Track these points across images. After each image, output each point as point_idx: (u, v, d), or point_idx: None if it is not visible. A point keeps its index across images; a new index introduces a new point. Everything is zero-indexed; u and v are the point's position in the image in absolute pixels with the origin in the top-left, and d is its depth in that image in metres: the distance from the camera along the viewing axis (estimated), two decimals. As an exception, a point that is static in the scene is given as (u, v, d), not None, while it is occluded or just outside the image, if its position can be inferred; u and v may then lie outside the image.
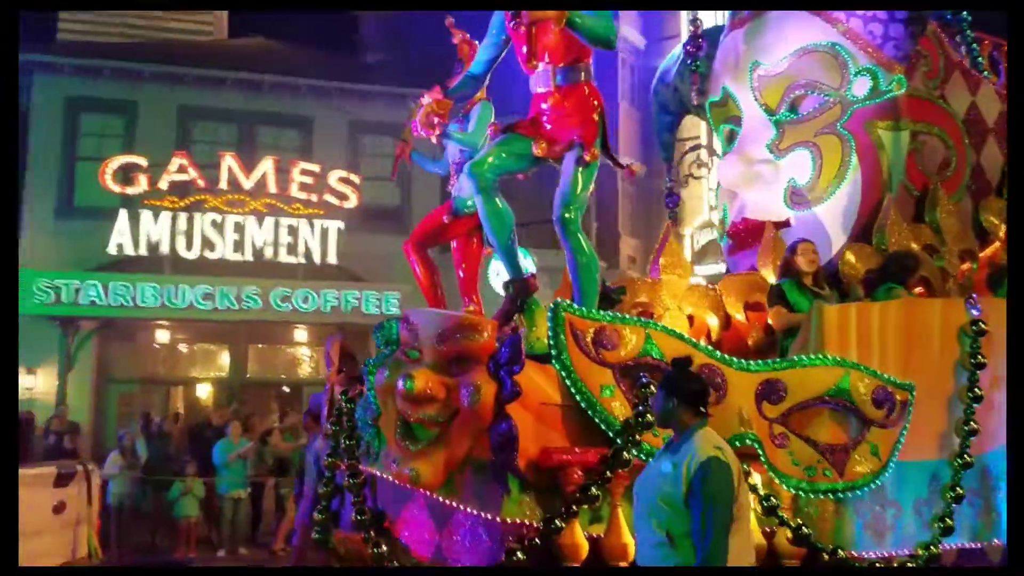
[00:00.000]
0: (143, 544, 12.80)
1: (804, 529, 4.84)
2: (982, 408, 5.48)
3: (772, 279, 6.20)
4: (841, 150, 6.62)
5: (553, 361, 4.71)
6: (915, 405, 5.21)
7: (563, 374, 4.68)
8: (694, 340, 5.02)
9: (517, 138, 5.50)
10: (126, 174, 17.31)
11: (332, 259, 17.89)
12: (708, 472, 3.59)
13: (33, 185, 17.71)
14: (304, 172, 18.38)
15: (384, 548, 4.92)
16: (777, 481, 4.87)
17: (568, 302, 4.84)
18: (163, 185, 17.33)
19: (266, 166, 18.09)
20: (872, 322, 5.34)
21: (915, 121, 6.83)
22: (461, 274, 6.40)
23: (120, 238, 17.25)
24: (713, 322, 5.90)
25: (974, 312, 5.53)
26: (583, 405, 4.64)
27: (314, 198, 18.34)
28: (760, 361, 5.08)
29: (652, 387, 4.72)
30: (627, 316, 4.99)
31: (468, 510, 4.65)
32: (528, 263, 17.64)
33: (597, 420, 4.62)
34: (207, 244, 17.22)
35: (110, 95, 18.47)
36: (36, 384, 16.87)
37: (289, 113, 19.40)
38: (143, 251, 17.03)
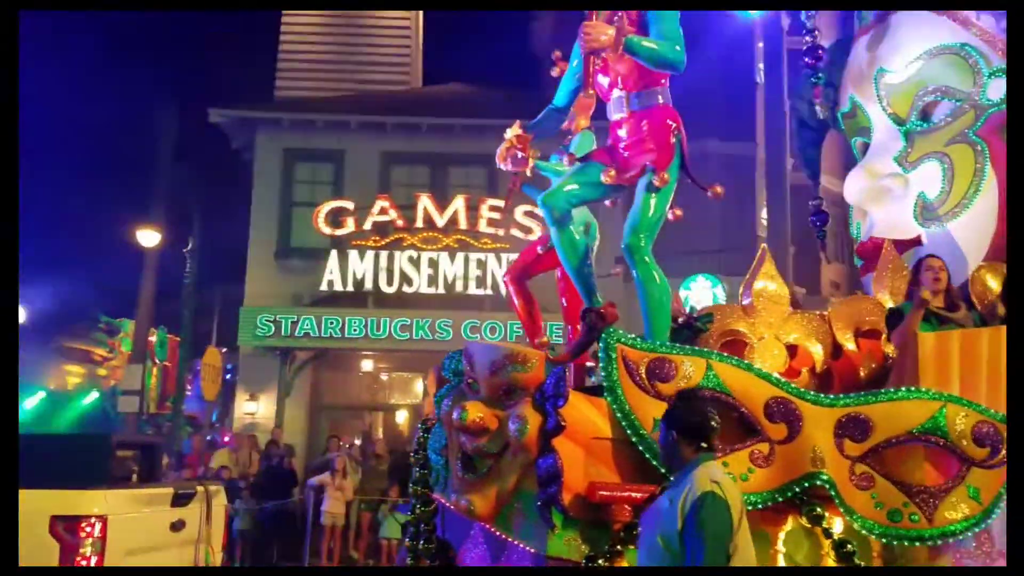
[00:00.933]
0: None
1: (882, 583, 4.30)
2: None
3: (890, 303, 5.65)
4: (974, 159, 5.96)
5: (605, 393, 4.50)
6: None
7: (614, 407, 4.46)
8: (765, 372, 4.62)
9: (592, 166, 5.37)
10: (335, 217, 18.43)
11: (516, 292, 18.11)
12: (702, 507, 3.32)
13: (255, 228, 19.10)
14: (492, 208, 18.87)
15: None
16: (856, 526, 4.37)
17: (622, 332, 4.61)
18: (367, 226, 18.36)
19: (457, 204, 18.75)
20: (980, 350, 4.71)
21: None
22: (564, 303, 6.31)
23: (330, 275, 18.45)
24: (818, 351, 5.42)
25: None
26: (632, 439, 4.39)
27: (501, 232, 18.77)
28: (843, 395, 4.61)
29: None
30: (687, 347, 4.67)
31: (517, 543, 4.51)
32: (716, 291, 17.20)
33: (646, 454, 4.35)
34: (405, 279, 18.08)
35: (321, 145, 19.61)
36: (258, 409, 18.21)
37: (478, 152, 19.94)
38: (350, 287, 18.09)
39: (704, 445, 3.60)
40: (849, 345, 5.40)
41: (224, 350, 20.03)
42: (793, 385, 4.56)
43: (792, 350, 5.46)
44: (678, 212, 5.22)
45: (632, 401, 4.44)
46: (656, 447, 4.32)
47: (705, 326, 5.40)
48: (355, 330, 17.77)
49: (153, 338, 19.86)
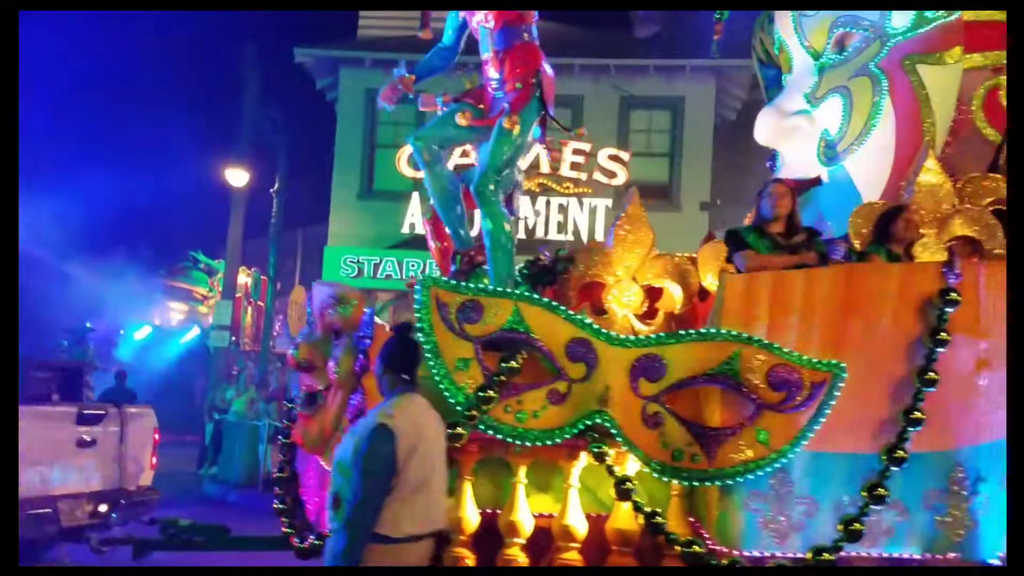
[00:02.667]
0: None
1: (658, 518, 4.40)
2: (960, 394, 4.56)
3: None
4: (871, 92, 5.73)
5: (418, 333, 4.73)
6: (847, 388, 4.45)
7: (425, 347, 4.68)
8: (570, 313, 4.73)
9: (461, 107, 5.55)
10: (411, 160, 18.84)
11: (599, 236, 18.20)
12: (365, 440, 3.58)
13: (339, 170, 19.77)
14: (576, 152, 18.87)
15: (286, 505, 5.25)
16: (639, 464, 4.47)
17: (436, 276, 4.82)
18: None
19: (538, 147, 18.79)
20: (794, 292, 4.64)
21: (990, 51, 5.71)
22: (432, 245, 6.35)
23: (412, 218, 18.94)
24: (678, 293, 5.43)
25: (951, 279, 4.58)
26: (436, 378, 4.61)
27: (583, 177, 18.77)
28: (643, 336, 4.67)
29: (514, 362, 4.62)
30: (498, 289, 4.82)
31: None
32: None
33: (446, 393, 4.57)
34: (485, 223, 18.38)
35: None
36: (339, 348, 18.95)
37: (562, 93, 19.93)
38: (420, 231, 18.50)
39: (406, 378, 3.78)
40: (713, 286, 5.38)
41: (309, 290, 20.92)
42: (596, 326, 4.66)
43: (657, 292, 5.49)
44: (581, 131, 5.37)
45: (441, 341, 4.65)
46: (454, 386, 4.53)
47: (565, 268, 5.50)
48: (436, 272, 18.28)
49: (246, 279, 21.03)
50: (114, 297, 20.91)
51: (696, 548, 4.38)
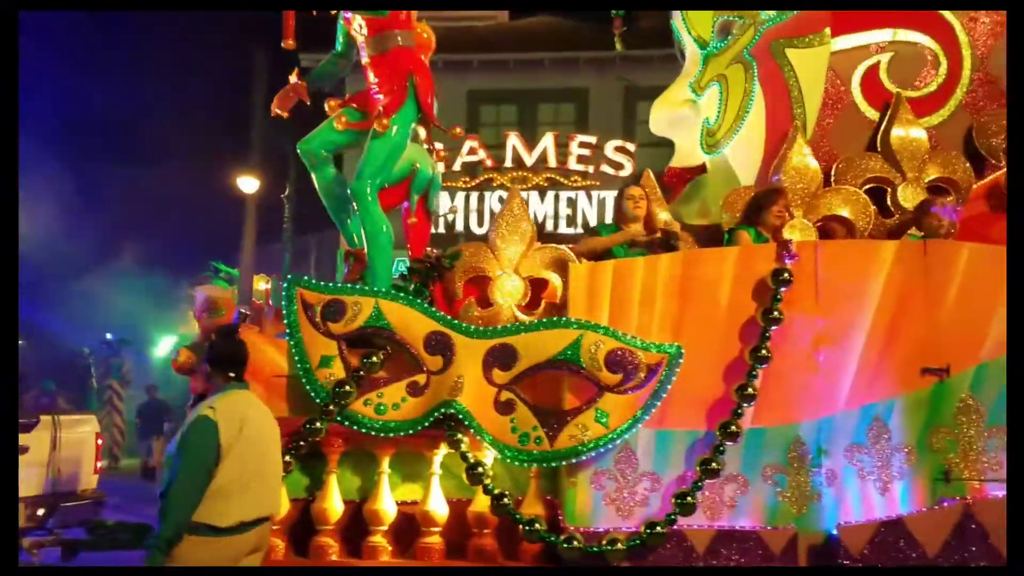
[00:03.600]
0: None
1: (505, 500, 4.65)
2: (800, 371, 4.72)
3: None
4: (744, 79, 5.90)
5: (286, 333, 5.04)
6: (687, 368, 4.66)
7: (291, 346, 5.00)
8: (427, 308, 5.01)
9: (344, 112, 5.84)
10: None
11: (608, 229, 18.33)
12: (187, 430, 3.85)
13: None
14: (582, 144, 19.03)
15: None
16: (489, 448, 4.73)
17: (302, 277, 5.13)
18: (456, 167, 18.94)
19: (546, 141, 19.00)
20: (635, 279, 4.85)
21: (861, 30, 5.84)
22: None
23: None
24: (557, 282, 5.65)
25: (786, 260, 4.74)
26: (301, 375, 4.92)
27: (591, 169, 18.93)
28: (497, 327, 4.91)
29: (375, 357, 4.90)
30: (361, 288, 5.11)
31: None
32: None
33: (309, 389, 4.87)
34: (495, 220, 18.65)
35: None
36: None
37: (567, 87, 20.10)
38: (441, 229, 18.79)
39: (232, 375, 4.07)
40: (591, 275, 5.58)
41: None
42: (451, 319, 4.95)
43: (532, 283, 5.69)
44: (457, 131, 5.63)
45: (307, 339, 4.96)
46: (316, 383, 4.84)
47: (451, 264, 5.75)
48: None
49: (266, 285, 21.55)
50: (141, 310, 21.57)
51: (538, 527, 4.62)
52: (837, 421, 4.70)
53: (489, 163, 18.88)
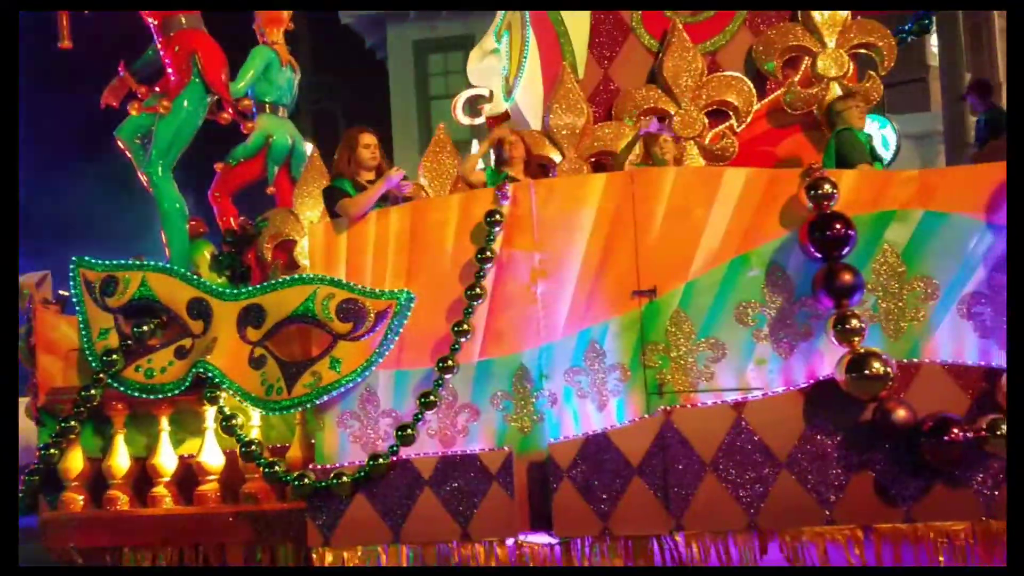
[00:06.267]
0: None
1: (252, 447, 5.20)
2: (520, 304, 5.14)
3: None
4: (521, 26, 6.26)
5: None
6: (418, 312, 5.14)
7: (79, 321, 5.60)
8: (189, 276, 5.58)
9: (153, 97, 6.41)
10: (472, 106, 19.38)
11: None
12: None
13: (397, 126, 20.60)
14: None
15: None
16: (240, 401, 5.27)
17: (82, 258, 5.71)
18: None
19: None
20: (368, 232, 5.32)
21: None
22: None
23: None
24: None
25: (502, 201, 5.14)
26: (83, 347, 5.53)
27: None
28: (245, 288, 5.42)
29: (145, 327, 5.48)
30: (133, 263, 5.67)
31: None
32: (886, 132, 15.69)
33: (89, 359, 5.48)
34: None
35: (448, 33, 20.42)
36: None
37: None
38: (494, 178, 19.14)
39: None
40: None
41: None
42: (207, 284, 5.53)
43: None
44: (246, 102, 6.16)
45: (90, 314, 5.62)
46: (94, 354, 5.51)
47: (258, 231, 6.27)
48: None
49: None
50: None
51: (277, 468, 5.16)
52: (557, 347, 5.11)
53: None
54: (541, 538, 5.05)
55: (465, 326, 5.11)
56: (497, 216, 5.15)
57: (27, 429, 5.82)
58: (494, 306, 5.17)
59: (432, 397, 5.09)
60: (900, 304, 4.90)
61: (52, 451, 5.56)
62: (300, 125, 21.27)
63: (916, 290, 4.88)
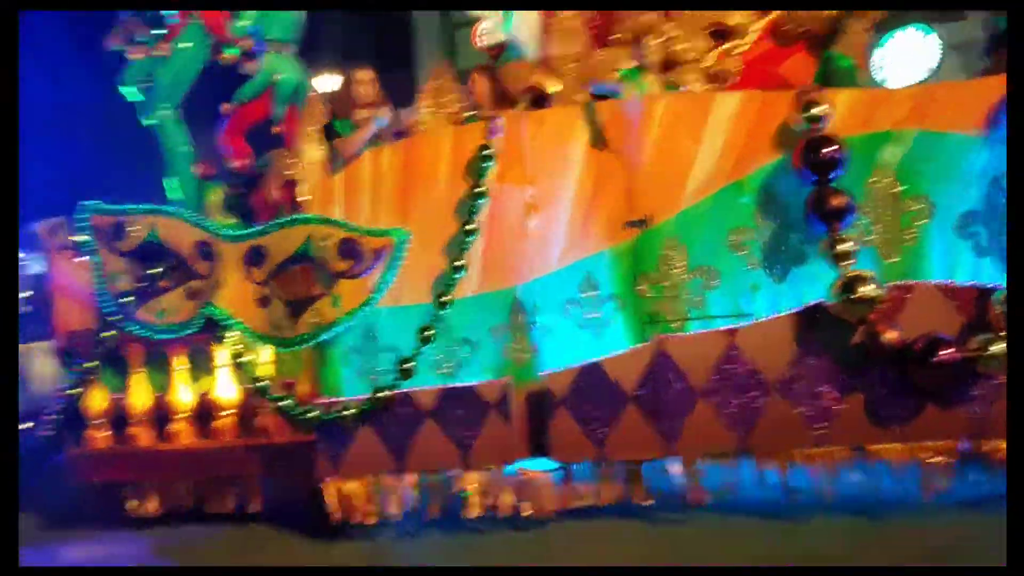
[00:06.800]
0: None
1: (263, 383, 5.39)
2: (513, 238, 5.23)
3: None
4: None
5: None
6: (415, 249, 5.24)
7: (91, 265, 5.81)
8: (195, 217, 5.71)
9: None
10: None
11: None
12: None
13: (421, 56, 20.36)
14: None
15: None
16: (250, 339, 5.45)
17: (93, 203, 5.86)
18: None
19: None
20: (363, 171, 5.41)
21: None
22: None
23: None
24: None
25: (492, 135, 5.18)
26: (96, 292, 5.74)
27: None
28: (248, 229, 5.55)
29: (155, 270, 5.68)
30: (143, 206, 5.82)
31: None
32: (929, 42, 14.88)
33: (101, 304, 5.69)
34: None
35: None
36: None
37: None
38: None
39: None
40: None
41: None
42: (212, 225, 5.66)
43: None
44: None
45: (103, 259, 5.77)
46: (106, 297, 5.71)
47: (261, 172, 6.39)
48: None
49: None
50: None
51: (285, 403, 5.35)
52: (551, 280, 5.20)
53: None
54: (541, 463, 5.22)
55: (459, 262, 5.21)
56: (488, 151, 5.20)
57: (49, 371, 6.08)
58: (488, 240, 5.26)
59: (429, 331, 5.23)
60: (895, 225, 4.90)
61: (74, 391, 5.82)
62: (322, 63, 21.29)
63: (911, 210, 4.87)
